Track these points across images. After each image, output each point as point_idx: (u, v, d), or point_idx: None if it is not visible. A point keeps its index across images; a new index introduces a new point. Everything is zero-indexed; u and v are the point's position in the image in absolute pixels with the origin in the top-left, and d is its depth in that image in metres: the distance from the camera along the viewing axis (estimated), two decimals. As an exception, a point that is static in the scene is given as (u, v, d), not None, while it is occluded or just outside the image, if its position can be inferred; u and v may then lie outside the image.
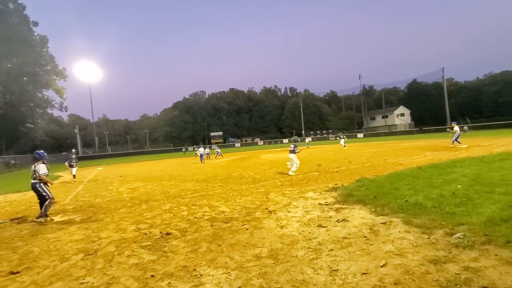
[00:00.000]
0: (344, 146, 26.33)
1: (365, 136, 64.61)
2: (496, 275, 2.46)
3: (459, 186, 5.71)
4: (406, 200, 5.04)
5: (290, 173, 10.86)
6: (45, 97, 53.92)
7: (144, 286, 2.93)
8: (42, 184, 6.48)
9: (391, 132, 64.88)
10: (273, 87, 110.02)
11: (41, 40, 48.20)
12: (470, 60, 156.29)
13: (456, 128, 17.41)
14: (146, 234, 4.75)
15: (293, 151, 11.00)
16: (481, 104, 74.54)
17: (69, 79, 54.95)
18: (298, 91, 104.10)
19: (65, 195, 10.18)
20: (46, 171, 6.57)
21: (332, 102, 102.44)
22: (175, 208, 6.58)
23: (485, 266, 2.63)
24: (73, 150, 17.96)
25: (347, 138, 35.47)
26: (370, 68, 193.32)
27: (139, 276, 3.16)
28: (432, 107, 75.56)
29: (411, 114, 76.92)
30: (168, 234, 4.64)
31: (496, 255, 2.81)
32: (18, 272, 3.54)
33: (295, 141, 11.62)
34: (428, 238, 3.46)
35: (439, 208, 4.42)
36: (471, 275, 2.52)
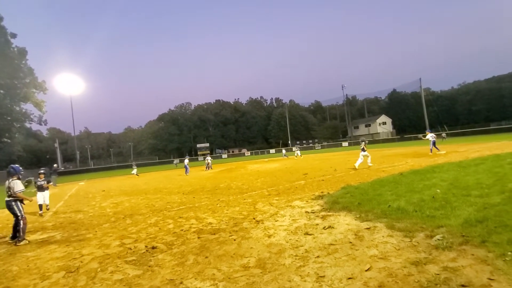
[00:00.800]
0: (299, 156, 30.35)
1: (349, 144, 65.99)
2: (472, 274, 2.58)
3: (438, 190, 5.96)
4: (389, 206, 5.20)
5: (369, 164, 13.63)
6: (23, 110, 51.85)
7: (129, 302, 2.85)
8: (18, 201, 5.99)
9: (374, 140, 66.68)
10: (259, 98, 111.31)
11: (19, 52, 46.79)
12: (445, 70, 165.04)
13: (429, 136, 18.21)
14: (130, 249, 4.63)
15: (363, 149, 13.91)
16: (456, 112, 78.46)
17: (49, 91, 53.17)
18: (283, 101, 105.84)
19: (44, 212, 9.70)
20: (22, 188, 6.05)
21: (317, 112, 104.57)
22: (161, 222, 6.44)
23: (462, 266, 2.75)
24: (55, 165, 16.85)
25: (331, 146, 38.31)
26: (353, 79, 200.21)
27: (123, 292, 3.07)
28: (412, 115, 78.67)
29: (393, 123, 79.69)
30: (153, 248, 4.54)
31: (473, 254, 2.95)
32: (-7, 294, 3.36)
33: (363, 141, 14.67)
34: (410, 241, 3.58)
35: (420, 212, 4.59)
36: (450, 274, 2.63)
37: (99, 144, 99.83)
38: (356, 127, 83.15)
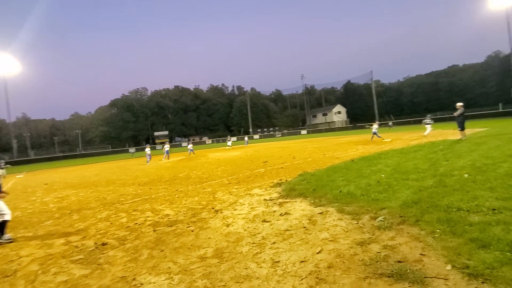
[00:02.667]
0: (230, 146, 34.53)
1: (308, 132, 68.83)
2: (407, 250, 2.91)
3: (382, 175, 6.54)
4: (340, 191, 5.57)
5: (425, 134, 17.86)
6: None
7: (74, 304, 2.65)
8: None
9: (331, 128, 70.54)
10: (220, 85, 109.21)
11: None
12: (392, 63, 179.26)
13: (375, 126, 20.96)
14: (77, 247, 4.29)
15: (429, 123, 18.07)
16: (401, 103, 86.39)
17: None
18: (245, 89, 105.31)
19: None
20: None
21: (278, 101, 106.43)
22: (112, 216, 6.06)
23: (399, 243, 3.08)
24: None
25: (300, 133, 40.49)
26: (312, 69, 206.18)
27: (68, 295, 2.85)
28: (364, 105, 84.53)
29: (347, 112, 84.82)
30: (104, 244, 4.26)
31: (408, 233, 3.32)
32: None
33: (429, 118, 17.77)
34: (357, 223, 3.89)
35: (366, 196, 5.00)
36: (389, 252, 2.93)
37: (40, 132, 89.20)
38: (314, 116, 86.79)
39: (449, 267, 2.48)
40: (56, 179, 17.01)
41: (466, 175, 5.50)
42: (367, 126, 25.42)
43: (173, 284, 2.82)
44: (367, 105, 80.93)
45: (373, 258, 2.84)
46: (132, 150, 49.14)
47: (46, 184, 14.50)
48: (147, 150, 23.01)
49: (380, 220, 3.78)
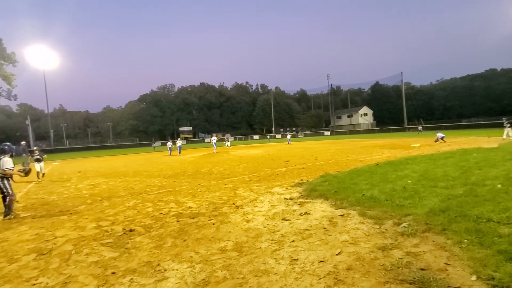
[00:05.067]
0: (229, 147, 32.18)
1: (331, 134, 67.43)
2: (431, 258, 2.81)
3: (409, 181, 6.30)
4: (363, 194, 5.45)
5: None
6: (-10, 83, 48.30)
7: (104, 283, 2.86)
8: (5, 179, 6.02)
9: (355, 130, 68.51)
10: (245, 83, 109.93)
11: (-15, 19, 42.94)
12: (425, 65, 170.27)
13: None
14: (107, 231, 4.59)
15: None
16: (432, 106, 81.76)
17: (20, 65, 49.43)
18: (269, 88, 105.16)
19: (41, 179, 9.72)
20: (11, 166, 6.11)
21: (302, 100, 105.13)
22: (139, 205, 6.39)
23: (423, 251, 2.98)
24: (22, 142, 16.45)
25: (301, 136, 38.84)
26: (338, 69, 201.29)
27: (99, 274, 3.07)
28: (392, 108, 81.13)
29: (373, 114, 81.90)
30: (131, 230, 4.52)
31: (433, 241, 3.20)
32: (-42, 276, 3.24)
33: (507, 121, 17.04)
34: (379, 228, 3.80)
35: (391, 201, 4.85)
36: (412, 259, 2.85)
37: (75, 123, 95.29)
38: (339, 117, 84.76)
39: (474, 278, 2.38)
40: (88, 167, 18.14)
41: (499, 186, 5.16)
42: (419, 128, 24.32)
43: (195, 273, 2.95)
44: (395, 107, 77.64)
45: (394, 263, 2.78)
46: (155, 144, 50.41)
47: (80, 172, 15.51)
48: (169, 143, 28.11)
49: (404, 226, 3.67)
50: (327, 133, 68.99)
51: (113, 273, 3.07)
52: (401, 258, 2.88)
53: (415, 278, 2.46)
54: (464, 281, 2.36)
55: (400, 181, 6.42)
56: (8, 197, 6.00)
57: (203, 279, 2.80)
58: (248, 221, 4.62)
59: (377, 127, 71.27)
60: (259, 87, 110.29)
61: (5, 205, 5.98)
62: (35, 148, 13.71)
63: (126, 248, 3.78)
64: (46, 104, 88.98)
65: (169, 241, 3.96)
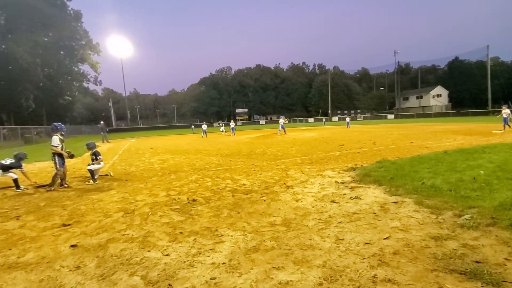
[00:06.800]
0: (224, 132, 31.86)
1: (395, 117, 61.68)
2: (490, 252, 2.63)
3: (482, 171, 5.62)
4: (423, 183, 5.12)
5: None
6: (81, 71, 56.94)
7: (174, 240, 3.46)
8: (56, 155, 6.73)
9: (425, 114, 61.21)
10: (301, 64, 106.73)
11: (75, 15, 49.93)
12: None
13: (507, 111, 16.64)
14: (175, 199, 5.35)
15: None
16: (530, 86, 67.21)
17: (102, 54, 57.08)
18: (327, 68, 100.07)
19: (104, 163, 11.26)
20: (57, 143, 6.74)
21: (363, 81, 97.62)
22: (200, 179, 7.16)
23: (482, 245, 2.79)
24: (101, 122, 19.23)
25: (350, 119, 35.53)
26: (407, 44, 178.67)
27: (170, 232, 3.71)
28: (473, 88, 69.61)
29: (449, 95, 71.53)
30: (194, 200, 5.19)
31: (497, 236, 2.95)
32: (69, 225, 4.24)
33: None
34: (436, 218, 3.62)
35: (455, 192, 4.48)
36: (467, 251, 2.71)
37: (146, 105, 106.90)
38: (406, 99, 76.50)
39: (540, 278, 2.19)
40: (159, 145, 20.51)
41: None
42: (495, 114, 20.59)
43: (247, 240, 3.34)
44: (477, 87, 66.44)
45: (446, 253, 2.69)
46: (193, 126, 49.79)
47: (151, 148, 17.70)
48: (204, 126, 29.42)
49: (466, 219, 3.43)
50: (390, 116, 63.32)
51: (181, 232, 3.67)
52: (455, 249, 2.76)
53: (467, 269, 2.38)
54: (525, 279, 2.20)
55: (470, 171, 5.78)
56: (56, 172, 6.69)
57: (254, 246, 3.16)
58: (297, 201, 4.84)
59: (453, 110, 62.24)
60: (316, 67, 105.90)
61: (52, 177, 6.78)
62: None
63: (190, 214, 4.41)
64: (123, 88, 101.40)
65: (225, 212, 4.45)
